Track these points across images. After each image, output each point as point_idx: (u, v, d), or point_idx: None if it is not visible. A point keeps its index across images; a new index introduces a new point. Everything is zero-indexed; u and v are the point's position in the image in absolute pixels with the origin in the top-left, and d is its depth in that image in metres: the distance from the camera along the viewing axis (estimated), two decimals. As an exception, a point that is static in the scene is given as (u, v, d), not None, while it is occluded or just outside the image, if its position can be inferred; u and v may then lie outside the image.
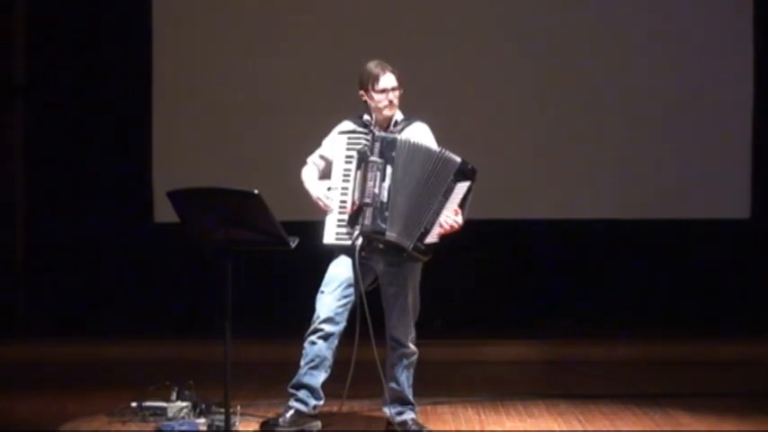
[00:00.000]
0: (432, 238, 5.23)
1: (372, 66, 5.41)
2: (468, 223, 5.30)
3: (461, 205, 5.26)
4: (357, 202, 5.25)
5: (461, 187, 5.26)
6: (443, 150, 5.29)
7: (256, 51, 8.78)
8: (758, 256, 8.81)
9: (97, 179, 8.90)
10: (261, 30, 8.81)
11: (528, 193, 8.77)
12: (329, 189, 5.38)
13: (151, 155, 8.82)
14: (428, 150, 5.29)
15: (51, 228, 8.91)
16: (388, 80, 5.37)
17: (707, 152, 8.74)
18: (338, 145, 5.42)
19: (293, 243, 5.05)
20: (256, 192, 4.86)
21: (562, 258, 8.90)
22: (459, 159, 5.26)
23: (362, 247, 5.26)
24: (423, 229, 5.22)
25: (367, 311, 5.22)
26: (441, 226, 5.23)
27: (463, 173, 5.25)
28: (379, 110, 5.41)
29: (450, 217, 5.23)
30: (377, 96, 5.39)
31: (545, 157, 8.77)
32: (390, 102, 5.39)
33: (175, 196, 4.98)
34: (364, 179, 5.25)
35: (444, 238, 5.26)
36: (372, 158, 5.25)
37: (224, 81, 8.78)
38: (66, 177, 8.91)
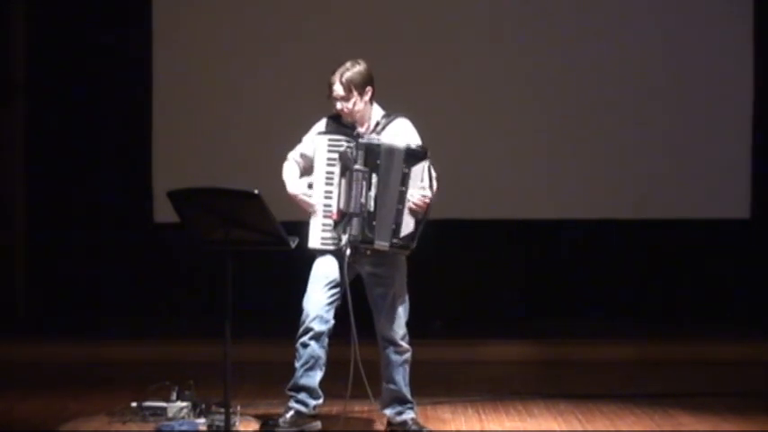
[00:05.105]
0: (407, 228, 5.19)
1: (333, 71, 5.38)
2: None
3: (423, 181, 5.21)
4: (343, 211, 5.24)
5: (417, 170, 5.22)
6: (393, 144, 5.22)
7: (257, 52, 8.77)
8: (758, 256, 8.81)
9: (97, 179, 8.89)
10: (262, 30, 8.79)
11: (527, 194, 8.74)
12: (309, 186, 5.35)
13: (151, 155, 8.81)
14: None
15: (51, 227, 8.91)
16: (335, 89, 5.36)
17: (707, 152, 8.74)
18: (319, 146, 5.38)
19: (293, 243, 5.06)
20: (257, 192, 4.86)
21: (562, 258, 8.90)
22: (402, 146, 5.22)
23: (350, 255, 5.25)
24: (394, 226, 5.19)
25: (352, 318, 5.21)
26: (410, 210, 5.20)
27: (413, 155, 5.22)
28: None
29: (416, 194, 5.20)
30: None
31: (545, 158, 8.75)
32: (341, 110, 5.37)
33: (175, 196, 4.98)
34: (350, 188, 5.23)
35: (422, 215, 5.20)
36: (357, 167, 5.22)
37: (224, 81, 8.77)
38: (66, 177, 8.90)
